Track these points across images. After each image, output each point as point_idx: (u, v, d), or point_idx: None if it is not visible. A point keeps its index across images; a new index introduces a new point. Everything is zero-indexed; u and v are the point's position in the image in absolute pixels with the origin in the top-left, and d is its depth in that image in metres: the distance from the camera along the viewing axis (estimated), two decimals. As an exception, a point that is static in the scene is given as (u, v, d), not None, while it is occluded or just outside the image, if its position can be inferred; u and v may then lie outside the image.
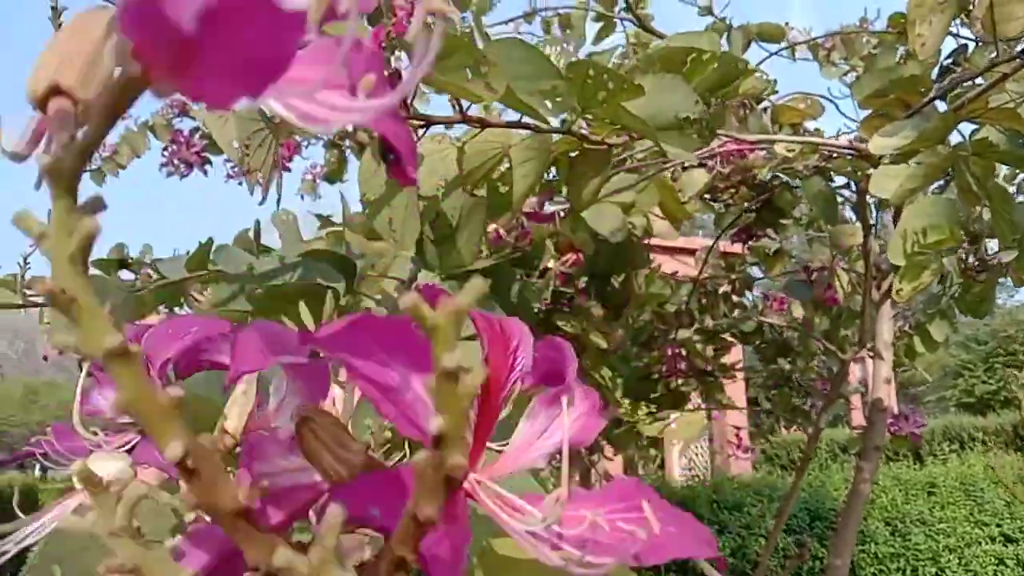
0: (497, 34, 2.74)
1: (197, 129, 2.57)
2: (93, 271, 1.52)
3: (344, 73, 0.23)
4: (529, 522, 0.29)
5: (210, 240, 0.90)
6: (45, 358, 1.74)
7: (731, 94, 1.04)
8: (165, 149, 2.46)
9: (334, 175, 3.03)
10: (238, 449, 0.34)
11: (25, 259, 1.09)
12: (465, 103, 0.71)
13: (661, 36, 2.21)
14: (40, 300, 1.44)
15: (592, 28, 2.64)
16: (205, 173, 2.47)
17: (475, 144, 0.80)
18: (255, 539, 0.21)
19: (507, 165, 0.88)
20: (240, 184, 2.90)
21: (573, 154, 0.96)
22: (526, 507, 0.30)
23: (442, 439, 0.20)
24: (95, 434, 0.39)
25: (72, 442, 0.39)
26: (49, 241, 0.20)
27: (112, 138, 2.85)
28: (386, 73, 0.70)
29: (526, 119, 0.80)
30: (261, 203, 0.75)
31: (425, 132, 0.75)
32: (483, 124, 0.74)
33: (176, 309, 1.15)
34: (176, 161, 2.40)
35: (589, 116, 0.83)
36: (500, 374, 0.32)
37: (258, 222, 0.91)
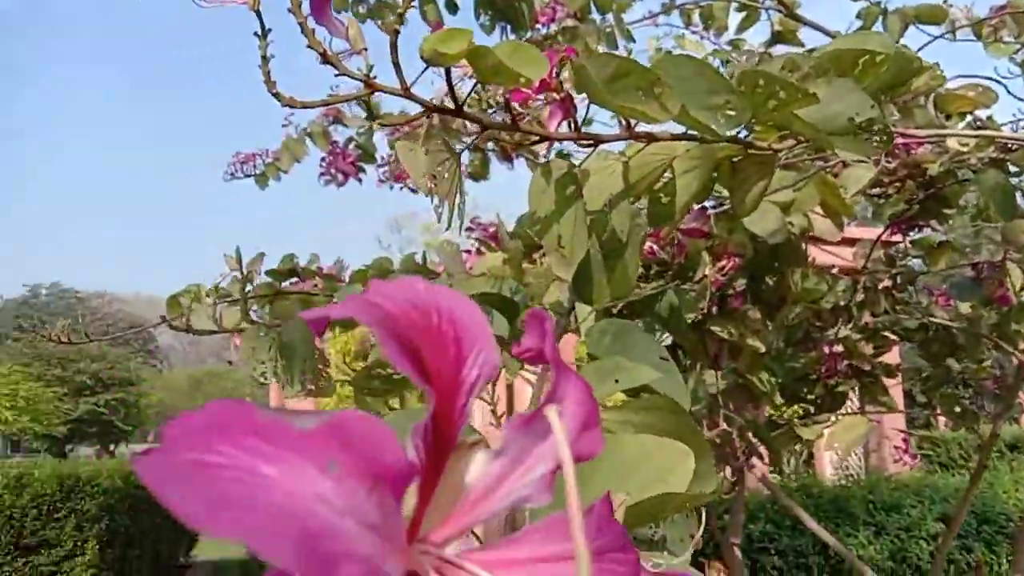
0: (635, 27, 2.71)
1: (351, 139, 2.70)
2: (265, 280, 1.63)
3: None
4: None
5: (389, 259, 0.95)
6: (230, 363, 1.88)
7: (903, 92, 1.00)
8: (323, 160, 2.60)
9: (477, 175, 3.11)
10: None
11: (216, 286, 1.18)
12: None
13: (808, 23, 2.13)
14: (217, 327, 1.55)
15: (735, 18, 2.58)
16: (360, 181, 2.59)
17: (640, 157, 0.81)
18: None
19: (669, 176, 0.88)
20: (391, 188, 3.02)
21: (735, 159, 0.95)
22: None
23: None
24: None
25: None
26: None
27: (274, 145, 3.03)
28: (558, 98, 0.71)
29: (691, 131, 0.79)
30: (447, 228, 0.78)
31: (593, 151, 0.76)
32: (651, 139, 0.74)
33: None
34: (333, 171, 2.53)
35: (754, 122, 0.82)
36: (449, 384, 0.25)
37: (425, 251, 0.95)
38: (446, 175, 0.70)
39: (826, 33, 2.19)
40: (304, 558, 0.16)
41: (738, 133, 0.84)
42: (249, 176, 2.99)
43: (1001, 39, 2.06)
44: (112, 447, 28.87)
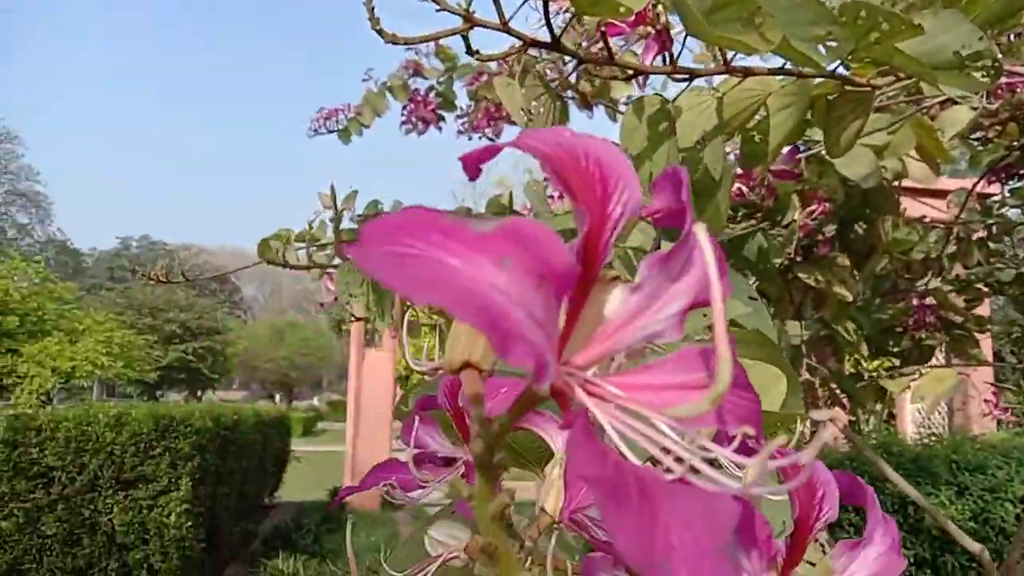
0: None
1: (431, 88, 2.71)
2: (351, 226, 1.66)
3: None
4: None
5: (469, 210, 0.97)
6: (322, 305, 1.94)
7: (1012, 25, 0.95)
8: (404, 108, 2.62)
9: (556, 123, 3.07)
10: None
11: (310, 224, 1.22)
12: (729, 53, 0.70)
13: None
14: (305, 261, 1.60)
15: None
16: (440, 129, 2.61)
17: (734, 94, 0.80)
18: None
19: (763, 114, 0.86)
20: (469, 139, 3.02)
21: (831, 97, 0.93)
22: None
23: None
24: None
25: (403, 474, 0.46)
26: (475, 504, 0.29)
27: (356, 100, 3.05)
28: (654, 30, 0.71)
29: (788, 65, 0.78)
30: None
31: (688, 85, 0.75)
32: (747, 73, 0.74)
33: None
34: (414, 119, 2.56)
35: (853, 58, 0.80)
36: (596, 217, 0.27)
37: (511, 193, 0.97)
38: (542, 109, 0.70)
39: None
40: (487, 327, 0.19)
41: (835, 69, 0.82)
42: (332, 132, 3.04)
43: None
44: (200, 393, 30.17)
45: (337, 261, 1.30)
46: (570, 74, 0.82)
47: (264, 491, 8.04)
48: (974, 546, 1.05)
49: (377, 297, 1.04)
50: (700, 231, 0.26)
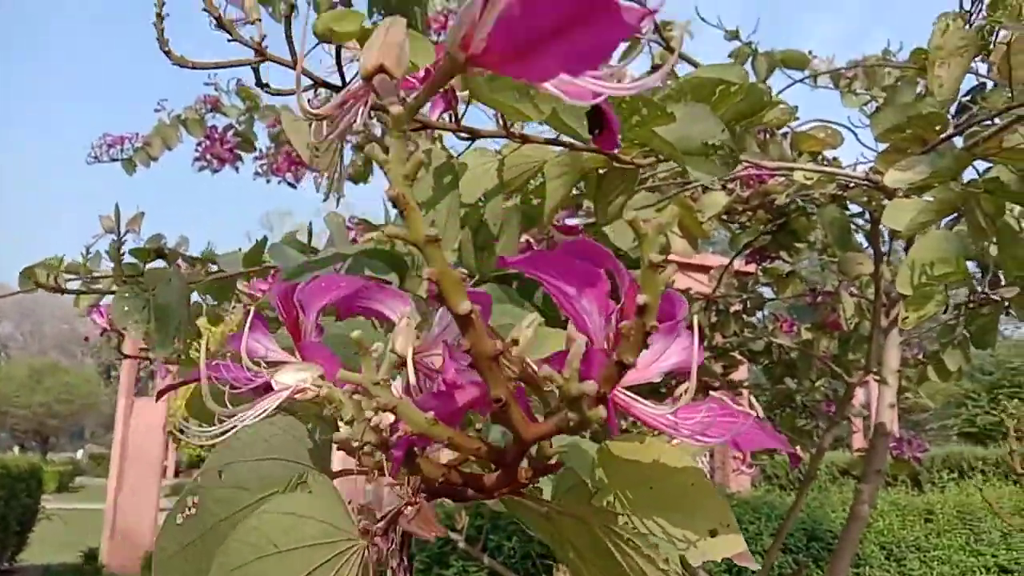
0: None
1: (230, 127, 2.64)
2: (130, 260, 1.57)
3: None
4: (659, 410, 0.40)
5: (265, 239, 0.96)
6: (87, 339, 1.80)
7: (756, 123, 1.09)
8: (199, 144, 2.52)
9: (359, 177, 3.09)
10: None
11: (87, 249, 1.15)
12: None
13: (684, 58, 2.26)
14: (78, 287, 1.50)
15: (619, 48, 2.69)
16: (237, 170, 2.53)
17: (513, 157, 0.86)
18: (499, 379, 0.34)
19: (541, 179, 0.93)
20: (267, 182, 2.96)
21: (602, 171, 1.01)
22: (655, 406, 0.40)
23: (645, 309, 0.32)
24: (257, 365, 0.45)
25: (235, 373, 0.45)
26: (389, 166, 0.34)
27: (145, 130, 2.91)
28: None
29: (563, 137, 0.85)
30: (324, 200, 0.80)
31: (470, 145, 0.80)
32: (524, 140, 0.79)
33: (225, 304, 1.20)
34: (209, 156, 2.47)
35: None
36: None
37: (311, 224, 0.97)
38: (327, 149, 0.72)
39: (688, 61, 2.33)
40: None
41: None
42: (116, 160, 2.87)
43: (855, 91, 2.26)
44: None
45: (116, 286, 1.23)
46: (361, 120, 0.84)
47: (3, 554, 7.16)
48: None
49: (159, 324, 0.99)
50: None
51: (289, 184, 2.92)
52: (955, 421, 15.85)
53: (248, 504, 0.36)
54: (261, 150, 2.87)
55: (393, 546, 0.37)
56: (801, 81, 2.18)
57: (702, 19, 2.39)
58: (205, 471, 0.37)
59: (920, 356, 2.27)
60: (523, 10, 0.30)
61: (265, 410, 0.42)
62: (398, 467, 0.36)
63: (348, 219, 2.36)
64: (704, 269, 2.60)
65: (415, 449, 0.37)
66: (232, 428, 0.41)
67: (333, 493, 0.36)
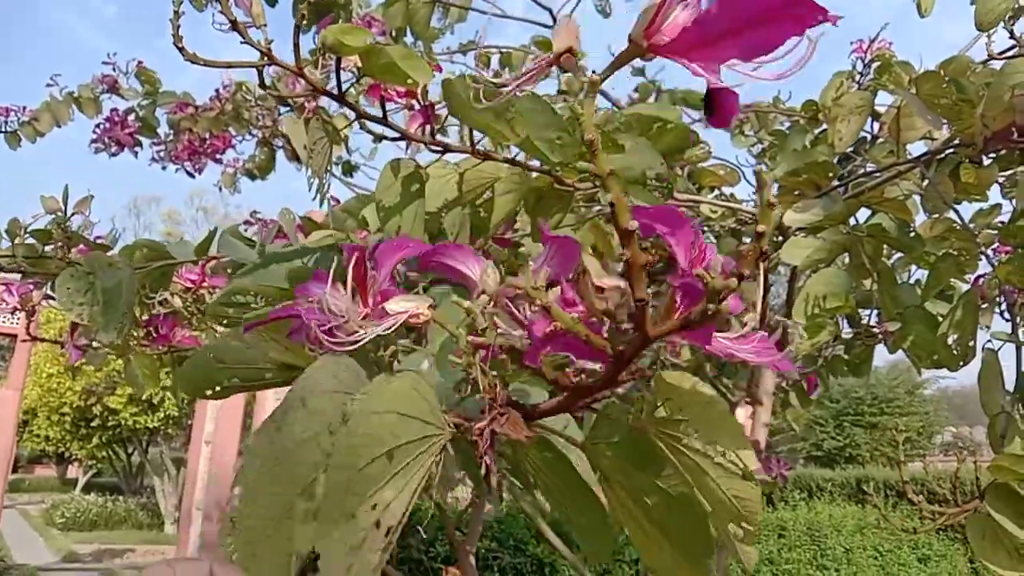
0: (441, 60, 2.86)
1: (131, 111, 2.56)
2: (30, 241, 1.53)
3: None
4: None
5: (216, 229, 0.97)
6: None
7: (679, 158, 1.20)
8: (97, 126, 2.44)
9: (262, 171, 3.05)
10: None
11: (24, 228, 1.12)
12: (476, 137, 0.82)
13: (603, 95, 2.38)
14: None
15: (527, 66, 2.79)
16: (136, 155, 2.46)
17: (472, 172, 0.91)
18: (643, 284, 0.40)
19: (490, 194, 0.99)
20: (163, 168, 2.87)
21: (543, 191, 1.09)
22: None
23: (761, 236, 0.38)
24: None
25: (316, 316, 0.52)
26: (584, 117, 0.41)
27: (34, 104, 2.79)
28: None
29: (518, 158, 0.92)
30: (313, 199, 0.83)
31: (440, 157, 0.86)
32: (486, 157, 0.85)
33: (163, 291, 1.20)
34: (108, 139, 2.39)
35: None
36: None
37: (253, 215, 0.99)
38: (320, 151, 0.75)
39: (607, 98, 2.45)
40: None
41: (551, 169, 0.98)
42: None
43: (744, 132, 2.44)
44: None
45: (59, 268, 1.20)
46: (351, 123, 0.90)
47: None
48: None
49: (105, 307, 0.98)
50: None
51: (188, 172, 2.85)
52: (803, 445, 16.89)
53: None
54: (160, 135, 2.80)
55: (487, 444, 0.44)
56: (699, 121, 2.34)
57: (612, 54, 2.51)
58: (288, 401, 0.43)
59: (785, 384, 2.46)
60: (720, 9, 0.37)
61: (390, 326, 0.51)
62: (536, 354, 0.45)
63: (250, 214, 2.34)
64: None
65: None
66: (364, 337, 0.50)
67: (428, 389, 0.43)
